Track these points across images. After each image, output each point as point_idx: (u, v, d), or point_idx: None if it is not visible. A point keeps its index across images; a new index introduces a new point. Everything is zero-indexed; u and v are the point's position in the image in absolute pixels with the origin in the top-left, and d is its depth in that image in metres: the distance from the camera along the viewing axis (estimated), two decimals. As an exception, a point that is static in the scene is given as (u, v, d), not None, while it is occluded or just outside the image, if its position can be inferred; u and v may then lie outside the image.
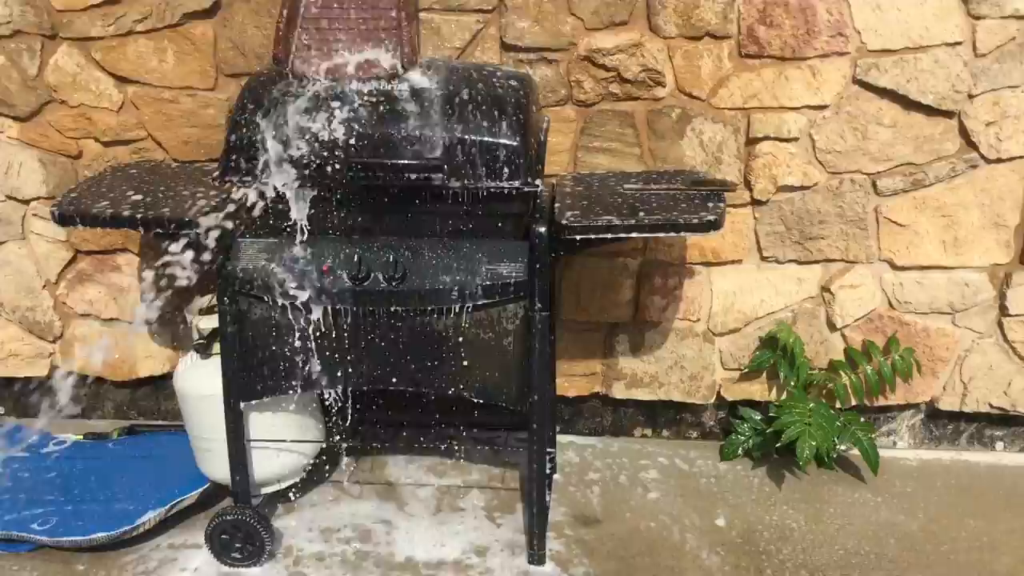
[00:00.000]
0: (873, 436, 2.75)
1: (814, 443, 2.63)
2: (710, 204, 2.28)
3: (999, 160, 2.65)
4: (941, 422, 2.94)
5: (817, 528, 2.55)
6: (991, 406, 2.87)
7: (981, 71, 2.57)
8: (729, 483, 2.76)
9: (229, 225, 2.20)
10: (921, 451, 2.95)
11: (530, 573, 2.37)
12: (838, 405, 2.83)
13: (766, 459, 2.85)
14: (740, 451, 2.87)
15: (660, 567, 2.39)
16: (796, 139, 2.65)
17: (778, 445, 2.70)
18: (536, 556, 2.40)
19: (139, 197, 2.33)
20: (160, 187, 2.42)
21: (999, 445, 2.95)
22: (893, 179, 2.68)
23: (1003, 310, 2.78)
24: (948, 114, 2.62)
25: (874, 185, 2.69)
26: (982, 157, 2.65)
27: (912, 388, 2.86)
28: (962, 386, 2.86)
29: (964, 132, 2.63)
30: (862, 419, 2.78)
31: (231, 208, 2.19)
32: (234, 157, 2.14)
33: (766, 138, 2.65)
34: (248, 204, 2.16)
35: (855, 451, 2.78)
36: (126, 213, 2.24)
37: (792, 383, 2.80)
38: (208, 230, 2.18)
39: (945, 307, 2.78)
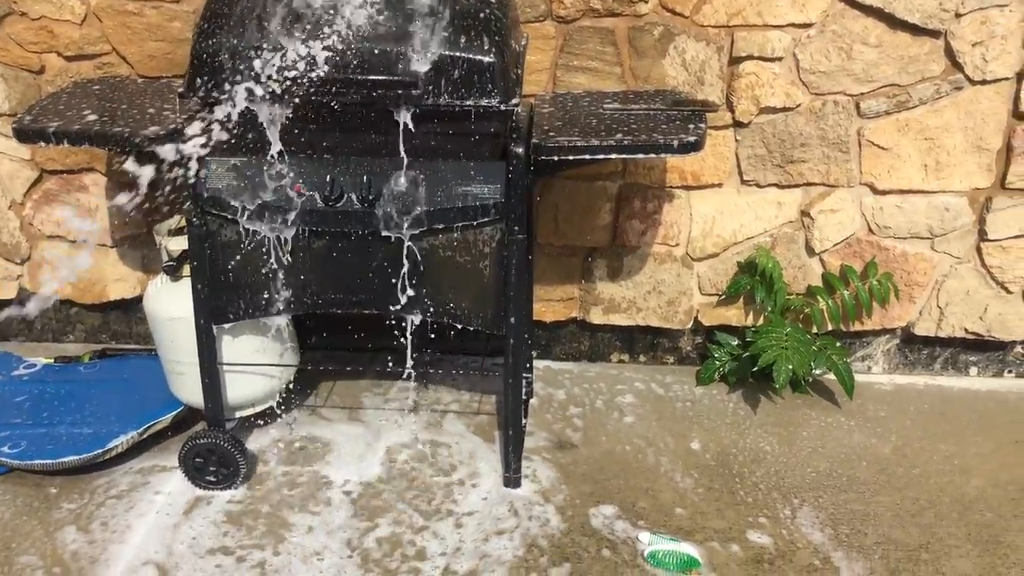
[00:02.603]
0: (848, 360, 2.76)
1: (790, 367, 2.63)
2: (691, 125, 2.23)
3: (984, 82, 2.60)
4: (916, 347, 2.95)
5: (790, 451, 2.57)
6: (966, 331, 2.88)
7: (970, -11, 2.52)
8: (704, 407, 2.77)
9: (196, 144, 2.13)
10: (895, 376, 2.97)
11: (507, 495, 2.37)
12: (814, 330, 2.83)
13: (742, 384, 2.86)
14: (716, 376, 2.87)
15: (635, 489, 2.40)
16: (780, 59, 2.59)
17: (754, 370, 2.70)
18: (512, 479, 2.40)
19: (95, 116, 2.24)
20: (123, 104, 2.34)
21: (973, 370, 2.97)
22: (877, 101, 2.63)
23: (982, 235, 2.76)
24: (934, 34, 2.56)
25: (857, 107, 2.65)
26: (967, 79, 2.61)
27: (888, 313, 2.86)
28: (938, 311, 2.86)
29: (950, 52, 2.58)
30: (838, 344, 2.79)
31: (197, 126, 2.11)
32: (200, 72, 2.06)
33: (749, 57, 2.59)
34: (216, 121, 2.09)
35: (829, 376, 2.80)
36: (85, 130, 2.15)
37: (769, 308, 2.79)
38: (174, 149, 2.11)
39: (924, 232, 2.77)
